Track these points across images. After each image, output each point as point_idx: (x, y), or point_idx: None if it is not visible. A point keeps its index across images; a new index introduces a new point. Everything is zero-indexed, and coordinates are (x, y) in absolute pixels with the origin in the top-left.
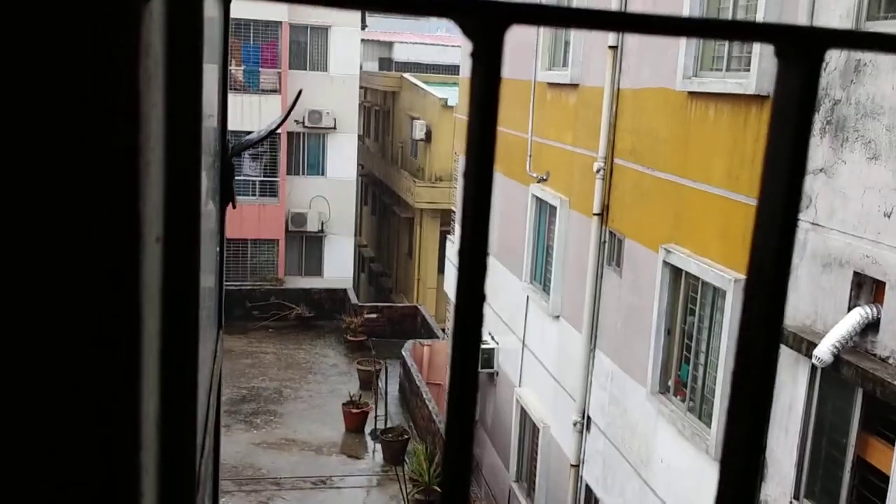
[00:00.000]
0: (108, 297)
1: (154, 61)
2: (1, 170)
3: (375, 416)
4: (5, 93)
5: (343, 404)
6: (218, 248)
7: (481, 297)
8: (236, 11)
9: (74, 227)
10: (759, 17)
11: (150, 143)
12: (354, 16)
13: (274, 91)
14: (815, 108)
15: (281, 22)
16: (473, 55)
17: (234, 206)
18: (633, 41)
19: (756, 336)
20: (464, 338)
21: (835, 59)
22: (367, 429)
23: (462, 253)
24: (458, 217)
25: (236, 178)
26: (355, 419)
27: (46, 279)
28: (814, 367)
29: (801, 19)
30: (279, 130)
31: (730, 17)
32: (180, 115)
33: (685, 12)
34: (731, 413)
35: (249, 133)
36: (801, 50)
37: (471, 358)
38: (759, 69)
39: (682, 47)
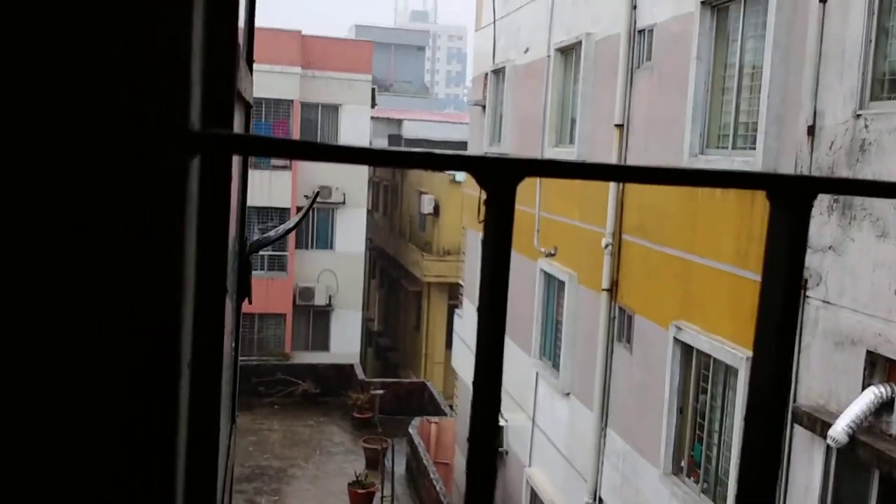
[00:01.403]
0: (146, 424)
1: (192, 204)
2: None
3: (382, 497)
4: (64, 235)
5: (349, 484)
6: (234, 344)
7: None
8: None
9: (120, 360)
10: (763, 98)
11: (187, 281)
12: (365, 94)
13: (285, 167)
14: (805, 249)
15: (293, 100)
16: (487, 203)
17: (250, 302)
18: (639, 119)
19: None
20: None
21: (839, 137)
22: None
23: (476, 389)
24: (463, 297)
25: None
26: (361, 500)
27: (89, 416)
28: (829, 448)
29: (805, 100)
30: (289, 205)
31: (734, 99)
32: (209, 251)
33: (689, 97)
34: (742, 481)
35: (261, 208)
36: (791, 195)
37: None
38: (764, 147)
39: (689, 125)
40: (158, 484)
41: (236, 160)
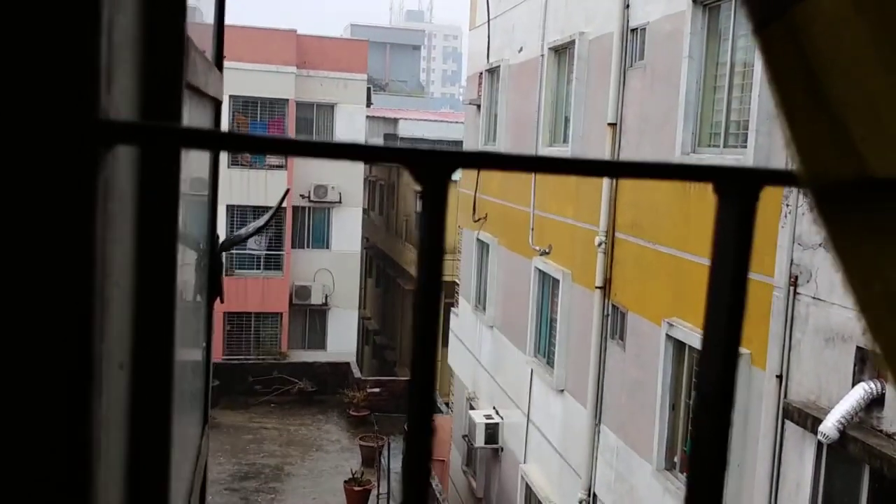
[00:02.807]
0: (59, 426)
1: (119, 200)
2: None
3: (378, 495)
4: None
5: (345, 482)
6: (205, 344)
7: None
8: (244, 90)
9: (27, 361)
10: (755, 97)
11: (113, 278)
12: (360, 93)
13: (280, 167)
14: (752, 243)
15: (288, 99)
16: (421, 196)
17: (221, 301)
18: (632, 118)
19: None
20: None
21: None
22: None
23: (412, 381)
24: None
25: (241, 252)
26: (357, 497)
27: None
28: (820, 444)
29: None
30: (284, 204)
31: (726, 97)
32: (153, 245)
33: (681, 95)
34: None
35: (256, 207)
36: (738, 188)
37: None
38: (755, 145)
39: (681, 123)
40: (70, 482)
41: (200, 155)
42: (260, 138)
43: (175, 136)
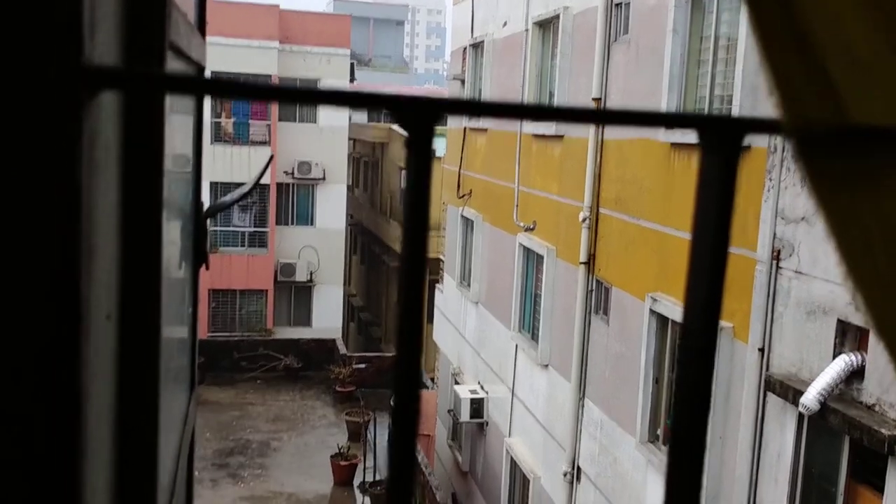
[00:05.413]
0: (47, 375)
1: (104, 149)
2: None
3: (364, 469)
4: None
5: (331, 456)
6: (191, 309)
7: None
8: (226, 65)
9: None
10: (738, 71)
11: (99, 227)
12: (343, 69)
13: (263, 143)
14: (735, 193)
15: (271, 75)
16: (407, 144)
17: (206, 268)
18: (616, 92)
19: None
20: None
21: None
22: (356, 481)
23: (399, 332)
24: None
25: (226, 229)
26: (344, 472)
27: None
28: (801, 416)
29: None
30: (268, 181)
31: (710, 71)
32: (138, 194)
33: (665, 69)
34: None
35: (240, 184)
36: (722, 137)
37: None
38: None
39: (665, 97)
40: (57, 424)
41: (184, 118)
42: (242, 84)
43: (159, 81)
